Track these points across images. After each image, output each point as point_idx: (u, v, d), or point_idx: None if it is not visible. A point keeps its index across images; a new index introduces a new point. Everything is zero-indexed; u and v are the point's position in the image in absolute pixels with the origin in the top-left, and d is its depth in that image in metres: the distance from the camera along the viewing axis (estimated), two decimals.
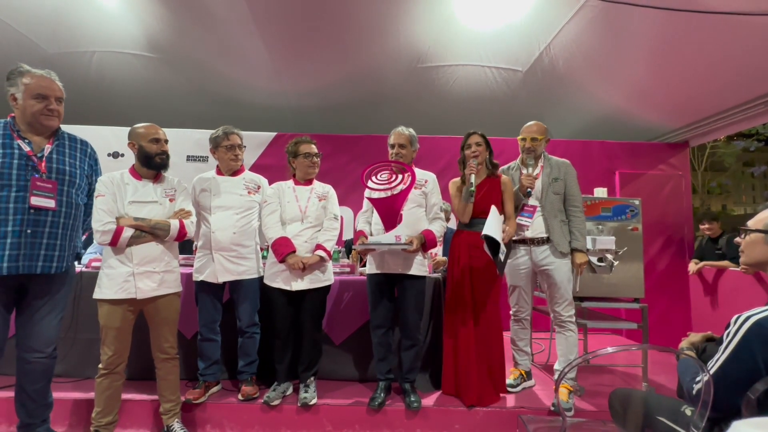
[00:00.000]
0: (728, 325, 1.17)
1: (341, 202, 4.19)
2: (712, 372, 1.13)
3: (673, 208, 4.10)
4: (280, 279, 2.18)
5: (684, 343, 1.42)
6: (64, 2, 3.33)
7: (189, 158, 4.21)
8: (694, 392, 1.17)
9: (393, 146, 2.28)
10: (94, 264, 2.55)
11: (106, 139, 4.24)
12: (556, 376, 2.32)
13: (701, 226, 3.89)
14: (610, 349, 1.08)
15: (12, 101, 1.69)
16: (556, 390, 1.26)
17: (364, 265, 2.53)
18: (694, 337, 1.42)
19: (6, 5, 3.29)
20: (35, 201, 1.63)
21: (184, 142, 4.18)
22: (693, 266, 3.77)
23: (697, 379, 1.16)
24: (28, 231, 1.62)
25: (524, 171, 2.31)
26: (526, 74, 3.89)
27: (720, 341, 1.21)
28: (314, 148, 2.31)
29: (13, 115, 1.72)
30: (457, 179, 2.38)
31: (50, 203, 1.67)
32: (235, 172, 2.32)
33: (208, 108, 4.53)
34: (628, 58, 3.33)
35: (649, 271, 3.89)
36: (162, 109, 4.53)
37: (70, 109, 4.64)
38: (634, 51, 3.21)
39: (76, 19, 3.48)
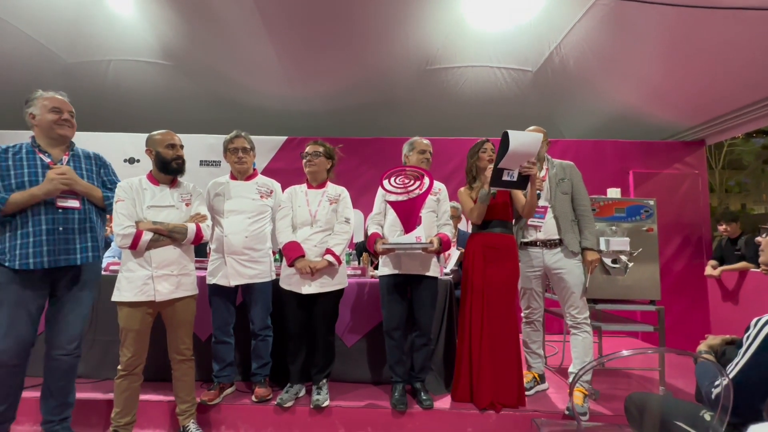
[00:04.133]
0: (748, 328, 1.15)
1: (352, 205, 4.24)
2: (731, 376, 1.11)
3: (689, 208, 4.01)
4: (291, 282, 2.21)
5: (702, 346, 1.39)
6: (82, 13, 3.43)
7: (202, 163, 4.28)
8: (713, 397, 1.15)
9: (424, 152, 2.34)
10: (111, 268, 2.61)
11: (123, 146, 4.34)
12: (570, 379, 2.29)
13: (719, 227, 3.80)
14: (625, 352, 1.07)
15: (30, 119, 1.86)
16: (571, 394, 1.25)
17: (376, 268, 2.54)
18: (713, 339, 1.40)
19: (27, 17, 3.41)
20: (61, 202, 1.80)
21: (197, 147, 4.25)
22: (710, 269, 3.67)
23: (716, 383, 1.14)
24: (60, 228, 1.79)
25: None
26: (536, 74, 3.87)
27: (740, 344, 1.19)
28: (314, 148, 2.31)
29: (32, 135, 1.90)
30: (464, 188, 2.40)
31: (75, 203, 1.84)
32: (248, 177, 2.35)
33: (220, 113, 4.61)
34: (640, 56, 3.28)
35: (665, 273, 3.81)
36: (175, 115, 4.62)
37: (88, 117, 4.78)
38: (647, 49, 3.17)
39: (93, 29, 3.59)
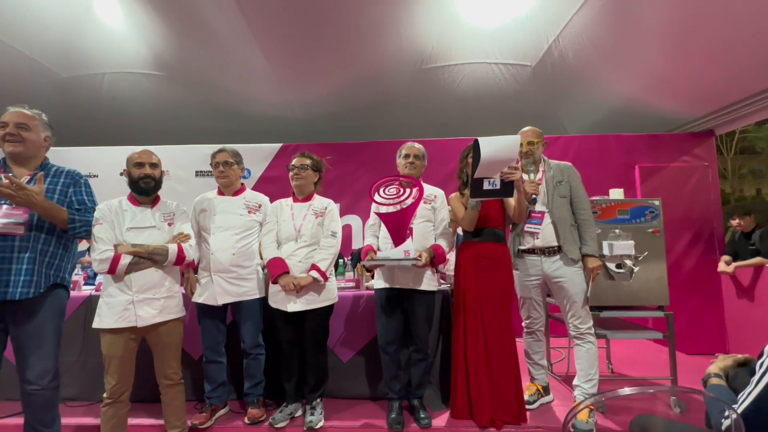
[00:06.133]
0: (761, 354, 1.05)
1: (349, 210, 4.17)
2: (743, 408, 1.00)
3: (699, 202, 3.84)
4: (278, 299, 2.15)
5: (712, 368, 1.28)
6: (74, 28, 3.42)
7: (198, 173, 4.24)
8: (723, 428, 1.04)
9: (408, 156, 2.25)
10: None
11: (119, 159, 4.30)
12: (575, 392, 2.19)
13: (732, 221, 3.63)
14: (627, 390, 0.97)
15: None
16: (564, 428, 1.15)
17: (373, 277, 2.47)
18: (724, 360, 1.28)
19: (19, 34, 3.41)
20: (0, 228, 1.64)
21: (192, 157, 4.22)
22: (723, 265, 3.52)
23: (726, 414, 1.04)
24: None
25: (525, 177, 2.17)
26: (535, 69, 3.74)
27: (752, 369, 1.08)
28: (301, 161, 2.25)
29: None
30: (455, 194, 2.30)
31: (18, 229, 1.67)
32: (236, 192, 2.30)
33: (215, 122, 4.57)
34: (643, 45, 3.14)
35: (676, 272, 3.66)
36: (171, 126, 4.60)
37: (85, 131, 4.78)
38: (649, 37, 3.02)
39: (86, 42, 3.58)
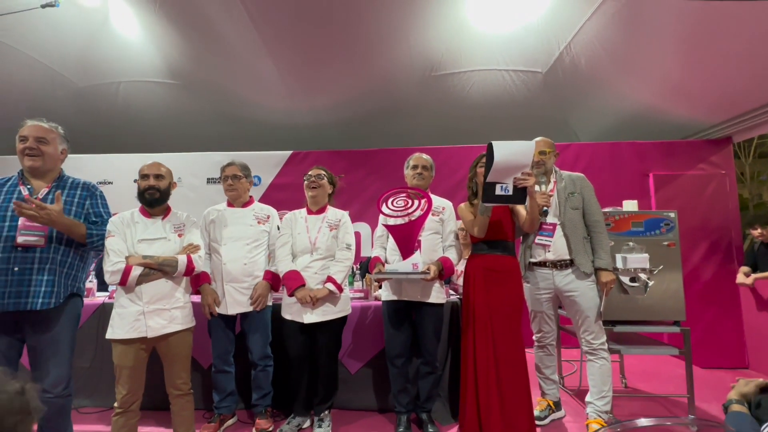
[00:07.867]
0: None
1: (358, 218, 4.17)
2: None
3: (717, 211, 3.73)
4: (293, 311, 2.15)
5: (733, 394, 1.23)
6: (91, 38, 3.51)
7: (209, 180, 4.29)
8: None
9: (416, 167, 2.24)
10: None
11: (133, 166, 4.37)
12: (588, 409, 2.13)
13: (753, 231, 3.51)
14: (644, 421, 0.93)
15: None
16: None
17: (380, 287, 2.46)
18: (745, 386, 1.23)
19: (39, 45, 3.51)
20: (21, 240, 1.67)
21: (204, 165, 4.28)
22: (742, 276, 3.40)
23: None
24: (15, 269, 1.65)
25: (536, 189, 2.13)
26: (546, 75, 3.70)
27: None
28: (318, 171, 2.27)
29: None
30: (465, 204, 2.28)
31: (39, 241, 1.70)
32: (244, 204, 2.33)
33: (227, 130, 4.63)
34: (657, 52, 3.08)
35: (692, 283, 3.56)
36: (184, 133, 4.67)
37: (101, 138, 4.86)
38: (664, 43, 2.97)
39: (102, 53, 3.66)
